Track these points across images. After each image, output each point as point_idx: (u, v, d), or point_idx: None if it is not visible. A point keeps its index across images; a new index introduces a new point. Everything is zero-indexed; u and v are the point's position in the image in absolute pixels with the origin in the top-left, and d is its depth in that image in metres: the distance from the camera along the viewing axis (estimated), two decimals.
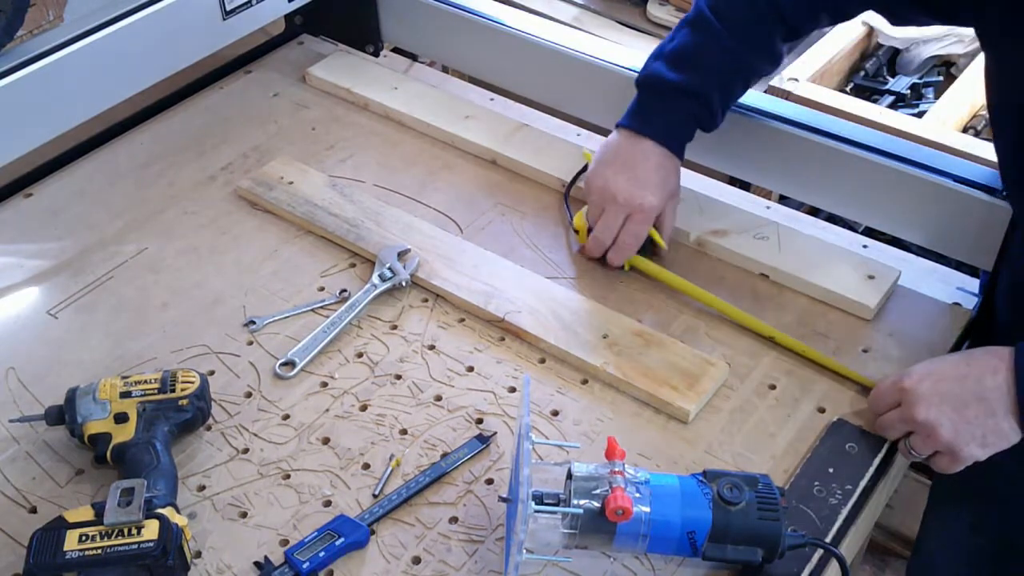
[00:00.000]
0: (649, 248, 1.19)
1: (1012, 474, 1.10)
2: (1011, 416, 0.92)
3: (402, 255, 1.17)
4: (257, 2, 1.37)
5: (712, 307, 1.14)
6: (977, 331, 1.15)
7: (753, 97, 1.26)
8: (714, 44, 1.14)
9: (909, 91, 1.94)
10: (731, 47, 1.13)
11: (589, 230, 1.18)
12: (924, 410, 0.94)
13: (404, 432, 1.02)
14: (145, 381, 0.98)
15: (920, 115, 1.82)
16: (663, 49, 1.17)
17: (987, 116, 1.79)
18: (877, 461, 0.99)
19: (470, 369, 1.08)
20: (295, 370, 1.07)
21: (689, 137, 1.18)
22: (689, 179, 1.29)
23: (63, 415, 0.97)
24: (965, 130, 1.79)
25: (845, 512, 0.94)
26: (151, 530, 0.85)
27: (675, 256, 1.20)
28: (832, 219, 1.39)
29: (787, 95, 1.74)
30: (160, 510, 0.87)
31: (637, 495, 0.84)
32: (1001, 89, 1.04)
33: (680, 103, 1.15)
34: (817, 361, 1.08)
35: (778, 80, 1.76)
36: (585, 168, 1.30)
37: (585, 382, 1.07)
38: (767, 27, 1.14)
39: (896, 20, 1.18)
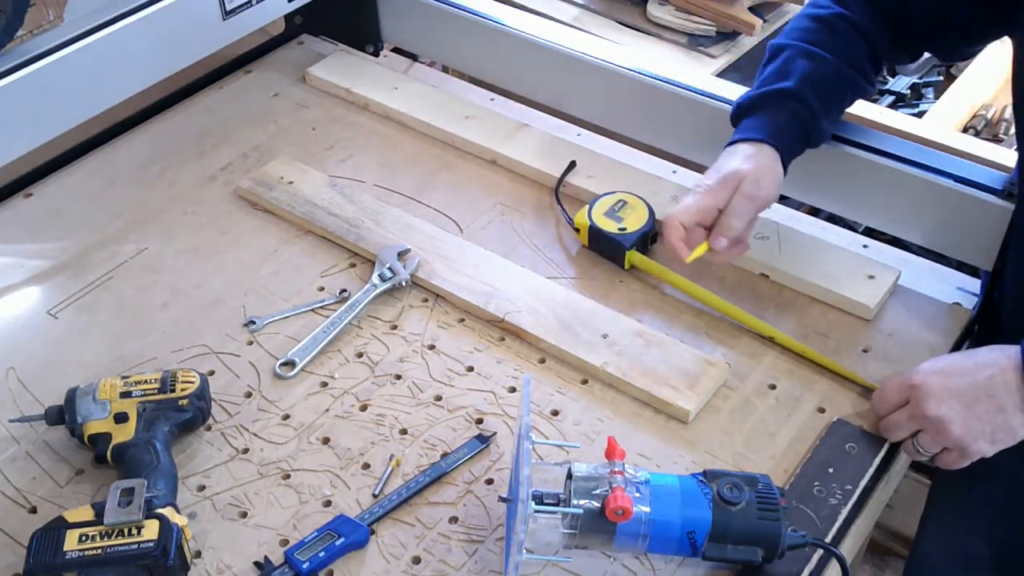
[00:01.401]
0: (647, 245, 1.20)
1: (1010, 476, 1.10)
2: (1020, 412, 0.93)
3: (402, 255, 1.17)
4: (257, 2, 1.37)
5: (712, 307, 1.14)
6: (977, 331, 1.15)
7: None
8: (796, 55, 1.11)
9: (909, 91, 1.94)
10: (815, 53, 1.10)
11: (589, 229, 1.18)
12: (935, 406, 0.94)
13: (404, 432, 1.02)
14: (145, 381, 0.98)
15: (920, 115, 1.82)
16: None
17: (987, 116, 1.80)
18: (877, 461, 0.99)
19: (470, 369, 1.08)
20: (295, 370, 1.07)
21: (795, 135, 1.10)
22: (689, 178, 1.29)
23: (63, 415, 0.97)
24: (965, 130, 1.78)
25: (845, 512, 0.94)
26: (151, 530, 0.85)
27: (675, 256, 1.20)
28: (832, 219, 1.39)
29: None
30: (160, 510, 0.87)
31: (637, 495, 0.84)
32: None
33: (776, 105, 1.10)
34: (817, 361, 1.08)
35: None
36: (572, 165, 1.29)
37: (585, 382, 1.07)
38: (852, 39, 1.12)
39: (948, 57, 1.15)
